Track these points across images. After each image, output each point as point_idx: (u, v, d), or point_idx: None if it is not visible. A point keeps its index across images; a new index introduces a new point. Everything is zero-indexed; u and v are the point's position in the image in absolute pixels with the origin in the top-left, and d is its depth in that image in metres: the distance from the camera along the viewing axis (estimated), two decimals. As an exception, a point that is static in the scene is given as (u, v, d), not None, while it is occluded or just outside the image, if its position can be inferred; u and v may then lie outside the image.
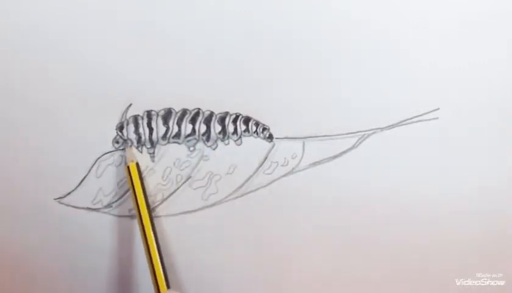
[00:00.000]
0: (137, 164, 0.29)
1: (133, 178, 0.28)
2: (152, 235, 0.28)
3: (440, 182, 0.31)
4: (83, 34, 0.28)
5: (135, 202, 0.28)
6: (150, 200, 0.30)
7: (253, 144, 0.30)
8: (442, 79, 0.29)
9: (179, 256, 0.31)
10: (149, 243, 0.28)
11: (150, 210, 0.28)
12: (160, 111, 0.29)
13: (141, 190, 0.28)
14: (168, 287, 0.27)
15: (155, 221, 0.30)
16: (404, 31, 0.29)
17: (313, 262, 0.32)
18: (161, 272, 0.27)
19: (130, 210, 0.31)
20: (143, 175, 0.30)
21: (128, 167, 0.29)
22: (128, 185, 0.29)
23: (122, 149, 0.30)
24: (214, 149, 0.30)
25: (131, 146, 0.30)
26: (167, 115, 0.29)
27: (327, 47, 0.29)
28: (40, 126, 0.29)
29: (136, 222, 0.31)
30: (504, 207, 0.32)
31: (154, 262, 0.27)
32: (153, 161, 0.30)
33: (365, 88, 0.30)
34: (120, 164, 0.30)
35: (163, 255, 0.28)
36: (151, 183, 0.30)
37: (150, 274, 0.27)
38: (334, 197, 0.31)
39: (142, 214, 0.28)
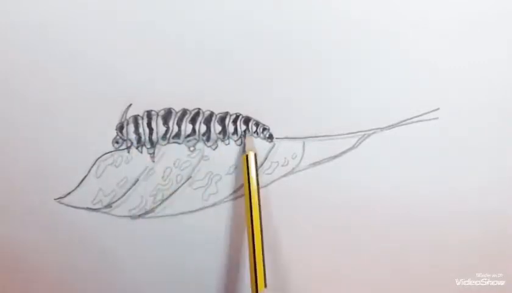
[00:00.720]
0: (255, 155, 0.29)
1: (249, 168, 0.28)
2: (260, 230, 0.28)
3: (441, 182, 0.31)
4: (83, 34, 0.28)
5: (248, 193, 0.28)
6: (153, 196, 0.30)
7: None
8: (442, 79, 0.30)
9: (178, 256, 0.31)
10: (256, 237, 0.28)
11: (260, 203, 0.28)
12: (160, 111, 0.29)
13: (255, 181, 0.28)
14: (265, 286, 0.27)
15: (155, 221, 0.30)
16: (404, 31, 0.29)
17: (313, 262, 0.32)
18: (263, 270, 0.27)
19: (130, 210, 0.31)
20: (141, 175, 0.30)
21: (246, 156, 0.29)
22: (244, 175, 0.29)
23: (122, 149, 0.30)
24: (214, 150, 0.30)
25: (251, 135, 0.30)
26: (167, 115, 0.29)
27: (326, 47, 0.29)
28: (40, 126, 0.29)
29: (136, 222, 0.31)
30: (504, 207, 0.32)
31: (257, 260, 0.27)
32: (153, 161, 0.30)
33: (365, 88, 0.30)
34: (120, 164, 0.30)
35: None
36: (151, 183, 0.30)
37: (250, 272, 0.28)
38: (334, 197, 0.31)
39: (253, 207, 0.28)
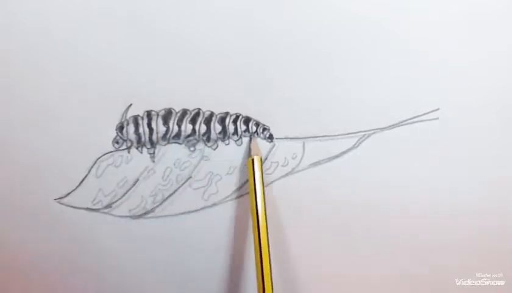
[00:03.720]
0: (261, 159, 0.28)
1: (255, 172, 0.28)
2: (266, 236, 0.27)
3: (441, 182, 0.31)
4: (83, 34, 0.28)
5: (254, 197, 0.27)
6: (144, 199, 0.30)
7: (254, 145, 0.30)
8: (442, 79, 0.30)
9: (178, 256, 0.31)
10: (262, 244, 0.27)
11: (265, 208, 0.28)
12: (160, 111, 0.29)
13: (261, 185, 0.28)
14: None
15: (161, 220, 0.30)
16: (404, 31, 0.29)
17: (313, 262, 0.32)
18: (270, 277, 0.26)
19: (130, 210, 0.31)
20: (142, 175, 0.30)
21: (252, 160, 0.28)
22: (249, 179, 0.28)
23: (122, 150, 0.30)
24: (214, 150, 0.30)
25: (251, 135, 0.29)
26: (167, 115, 0.29)
27: (327, 47, 0.29)
28: (40, 126, 0.29)
29: (136, 222, 0.31)
30: (505, 207, 0.32)
31: (264, 262, 0.26)
32: (153, 161, 0.30)
33: (365, 88, 0.30)
34: (120, 164, 0.30)
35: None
36: (151, 183, 0.30)
37: (257, 274, 0.27)
38: (334, 197, 0.31)
39: (260, 212, 0.27)
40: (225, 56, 0.29)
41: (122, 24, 0.28)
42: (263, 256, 0.27)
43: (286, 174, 0.31)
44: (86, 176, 0.30)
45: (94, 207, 0.30)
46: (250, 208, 0.28)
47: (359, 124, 0.30)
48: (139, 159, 0.30)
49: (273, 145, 0.30)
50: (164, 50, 0.28)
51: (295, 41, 0.29)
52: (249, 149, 0.29)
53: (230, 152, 0.30)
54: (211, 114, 0.30)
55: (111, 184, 0.30)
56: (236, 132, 0.30)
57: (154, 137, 0.30)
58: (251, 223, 0.31)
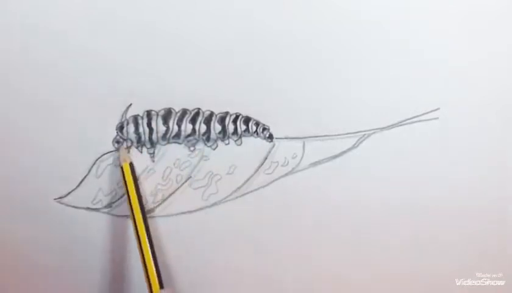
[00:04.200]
0: (131, 164, 0.29)
1: (126, 178, 0.28)
2: (145, 235, 0.27)
3: (440, 182, 0.31)
4: (83, 34, 0.28)
5: (129, 203, 0.28)
6: (145, 200, 0.30)
7: (253, 145, 0.30)
8: (442, 79, 0.30)
9: (179, 257, 0.31)
10: (142, 243, 0.27)
11: (144, 210, 0.28)
12: (159, 111, 0.29)
13: (134, 190, 0.28)
14: (162, 287, 0.27)
15: (155, 221, 0.30)
16: (404, 31, 0.29)
17: (313, 262, 0.32)
18: (154, 272, 0.27)
19: (130, 210, 0.31)
20: (142, 175, 0.30)
21: (121, 168, 0.28)
22: (123, 185, 0.29)
23: (122, 149, 0.30)
24: (214, 149, 0.30)
25: (126, 146, 0.29)
26: (167, 115, 0.29)
27: (327, 47, 0.29)
28: (40, 126, 0.29)
29: (136, 222, 0.31)
30: (505, 206, 0.32)
31: (147, 263, 0.27)
32: (153, 161, 0.30)
33: (365, 88, 0.30)
34: (119, 164, 0.30)
35: (156, 255, 0.28)
36: (151, 183, 0.30)
37: (144, 274, 0.27)
38: (334, 197, 0.31)
39: (135, 214, 0.28)
40: (225, 56, 0.29)
41: (122, 24, 0.28)
42: (143, 249, 0.27)
43: (286, 174, 0.31)
44: (86, 176, 0.30)
45: (94, 206, 0.30)
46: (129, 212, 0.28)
47: (359, 124, 0.30)
48: (139, 158, 0.30)
49: (273, 145, 0.30)
50: (164, 50, 0.28)
51: (295, 41, 0.29)
52: (118, 157, 0.29)
53: (230, 152, 0.30)
54: (211, 114, 0.30)
55: (111, 184, 0.30)
56: (235, 131, 0.30)
57: (154, 136, 0.30)
58: (251, 223, 0.31)
